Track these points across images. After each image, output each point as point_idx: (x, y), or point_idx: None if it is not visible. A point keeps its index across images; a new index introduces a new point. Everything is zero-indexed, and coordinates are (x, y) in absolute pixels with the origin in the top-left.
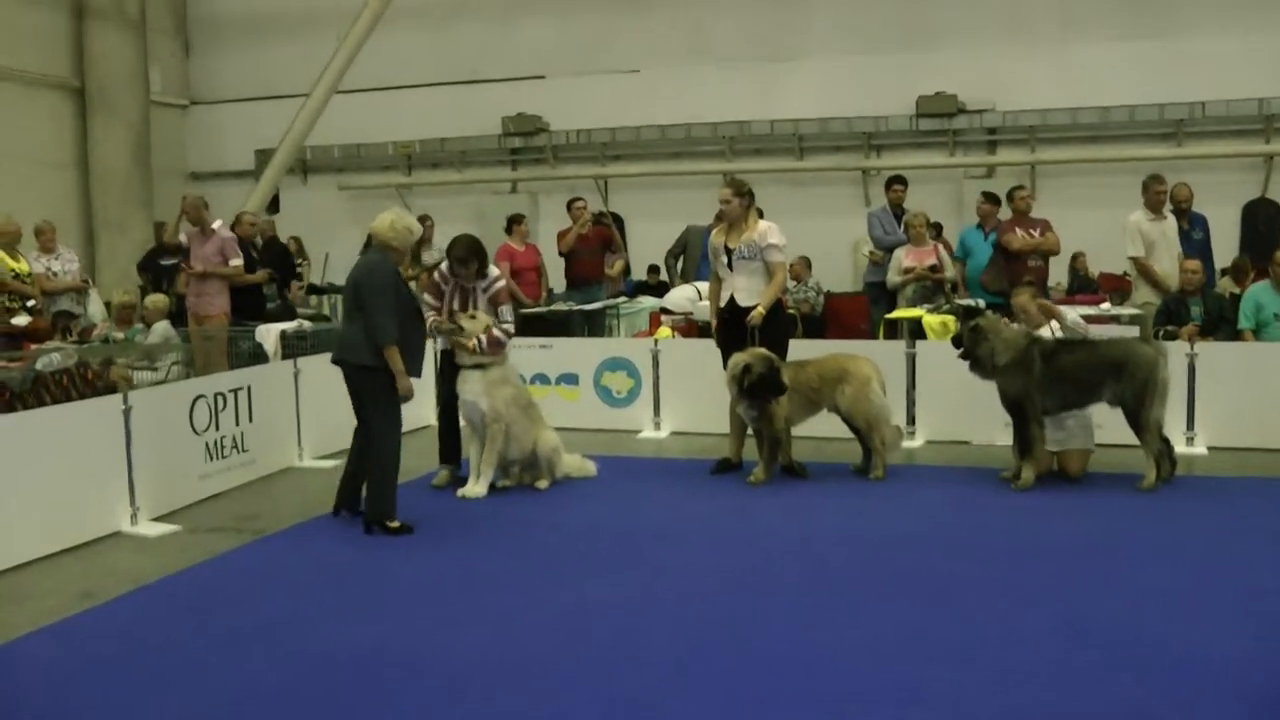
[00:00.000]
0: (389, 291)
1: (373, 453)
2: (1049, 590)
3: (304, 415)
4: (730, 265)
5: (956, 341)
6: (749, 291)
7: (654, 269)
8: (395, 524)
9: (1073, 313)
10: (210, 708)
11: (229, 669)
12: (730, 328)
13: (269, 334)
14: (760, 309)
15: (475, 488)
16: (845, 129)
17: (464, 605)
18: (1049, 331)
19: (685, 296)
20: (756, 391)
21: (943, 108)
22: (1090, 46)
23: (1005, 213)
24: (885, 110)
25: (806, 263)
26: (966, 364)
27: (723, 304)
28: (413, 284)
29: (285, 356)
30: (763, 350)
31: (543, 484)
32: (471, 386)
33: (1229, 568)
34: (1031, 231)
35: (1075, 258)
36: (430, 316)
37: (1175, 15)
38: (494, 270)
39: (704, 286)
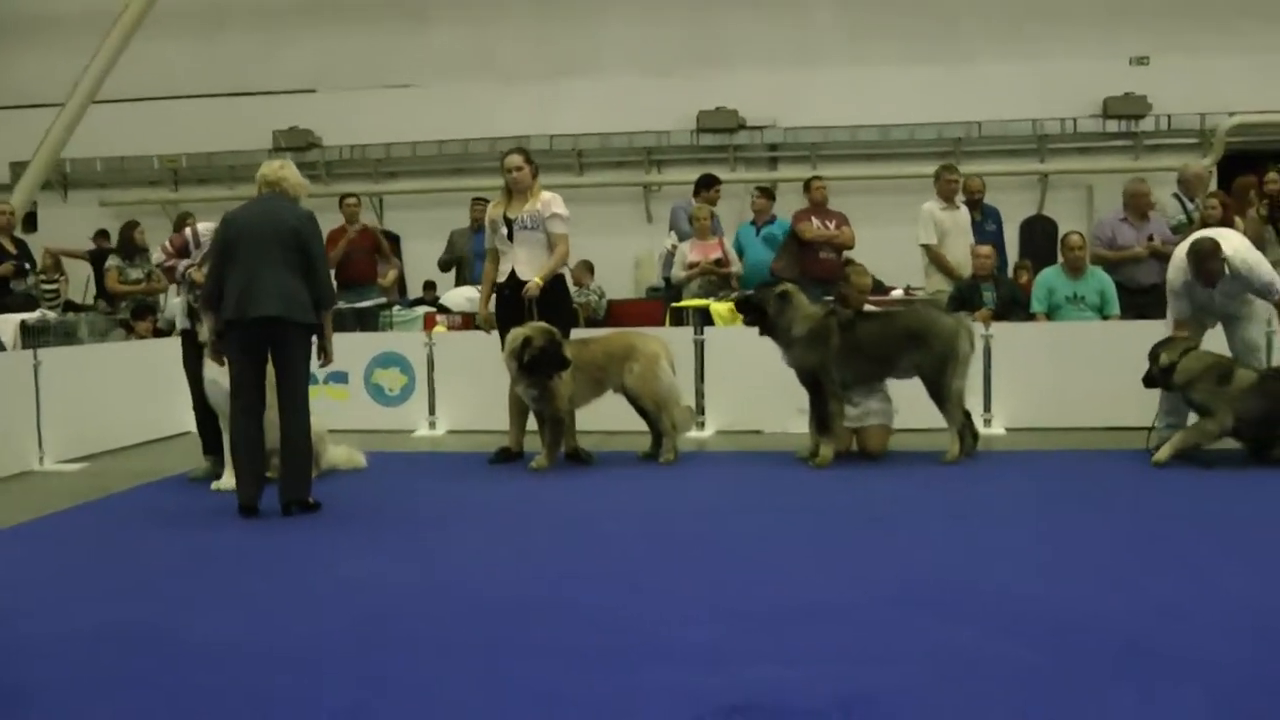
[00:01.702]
0: (325, 247)
1: (297, 424)
2: (856, 548)
3: (46, 413)
4: (510, 237)
5: (744, 306)
6: (530, 264)
7: (430, 285)
8: (313, 501)
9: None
10: None
11: None
12: (510, 304)
13: (7, 324)
14: (537, 279)
15: (227, 479)
16: (626, 144)
17: (205, 587)
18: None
19: (464, 296)
20: (537, 367)
21: (724, 123)
22: (871, 67)
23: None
24: (666, 125)
25: (588, 267)
26: (756, 331)
27: (502, 279)
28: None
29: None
30: (543, 324)
31: None
32: (214, 365)
33: (1029, 522)
34: (827, 224)
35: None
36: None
37: (954, 39)
38: None
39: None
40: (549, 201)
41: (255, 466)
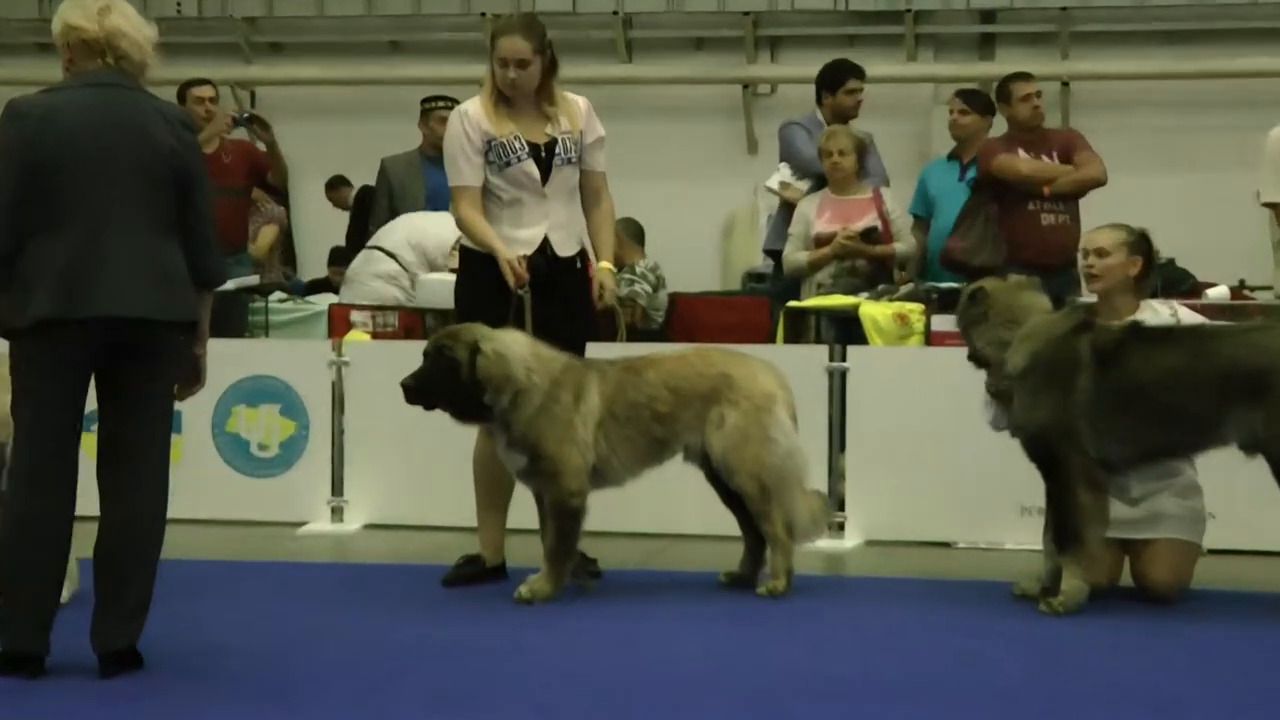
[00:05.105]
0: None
1: (148, 506)
2: None
3: None
4: (545, 178)
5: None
6: (570, 227)
7: (338, 253)
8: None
9: (1165, 307)
10: None
11: None
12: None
13: None
14: (607, 265)
15: None
16: (713, 7)
17: None
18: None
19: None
20: (418, 402)
21: None
22: None
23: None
24: None
25: (635, 233)
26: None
27: (527, 250)
28: None
29: None
30: (463, 327)
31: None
32: None
33: None
34: (1048, 156)
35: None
36: None
37: None
38: None
39: None
40: (588, 113)
41: (47, 582)
